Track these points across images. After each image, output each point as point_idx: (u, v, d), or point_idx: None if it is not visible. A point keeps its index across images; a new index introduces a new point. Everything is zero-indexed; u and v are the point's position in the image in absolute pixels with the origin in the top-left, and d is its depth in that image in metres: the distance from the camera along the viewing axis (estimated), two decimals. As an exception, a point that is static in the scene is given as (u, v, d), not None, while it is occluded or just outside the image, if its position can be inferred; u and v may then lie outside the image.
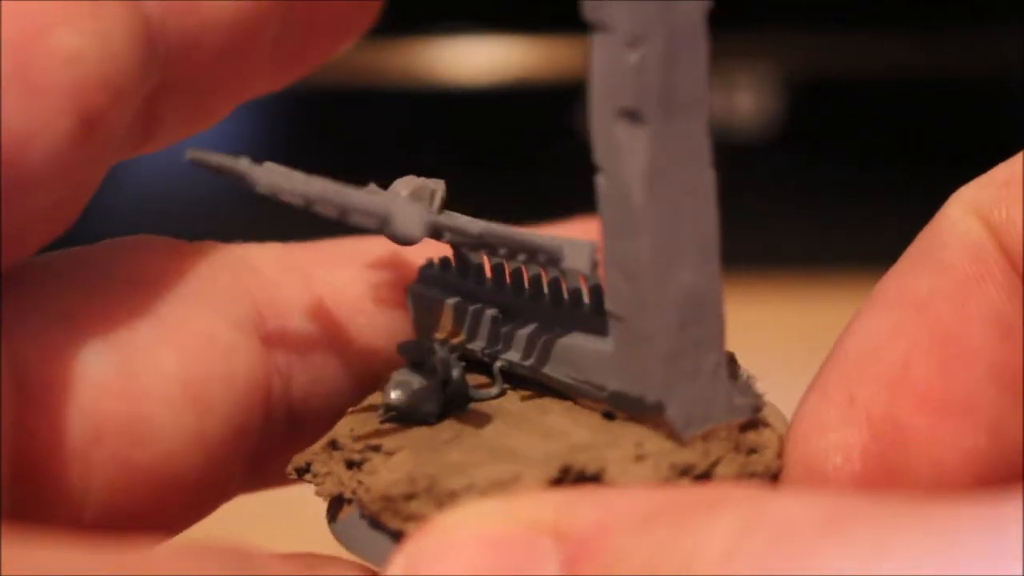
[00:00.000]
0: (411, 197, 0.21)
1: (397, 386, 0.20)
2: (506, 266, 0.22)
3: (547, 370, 0.21)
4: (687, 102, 0.18)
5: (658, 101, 0.18)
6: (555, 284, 0.21)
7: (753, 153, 0.65)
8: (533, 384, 0.21)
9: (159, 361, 0.20)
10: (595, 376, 0.20)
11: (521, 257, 0.20)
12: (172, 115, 0.21)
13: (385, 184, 0.22)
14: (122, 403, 0.19)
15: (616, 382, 0.19)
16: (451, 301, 0.22)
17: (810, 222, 0.64)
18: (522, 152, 0.66)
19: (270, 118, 0.68)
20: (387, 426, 0.20)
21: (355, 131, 0.67)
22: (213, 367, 0.20)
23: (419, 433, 0.20)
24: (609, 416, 0.20)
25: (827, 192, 0.63)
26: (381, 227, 0.19)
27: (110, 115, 0.19)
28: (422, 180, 0.21)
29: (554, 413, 0.20)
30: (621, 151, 0.18)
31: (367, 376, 0.23)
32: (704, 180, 0.19)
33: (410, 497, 0.18)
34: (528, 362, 0.21)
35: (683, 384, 0.19)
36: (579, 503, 0.16)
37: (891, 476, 0.20)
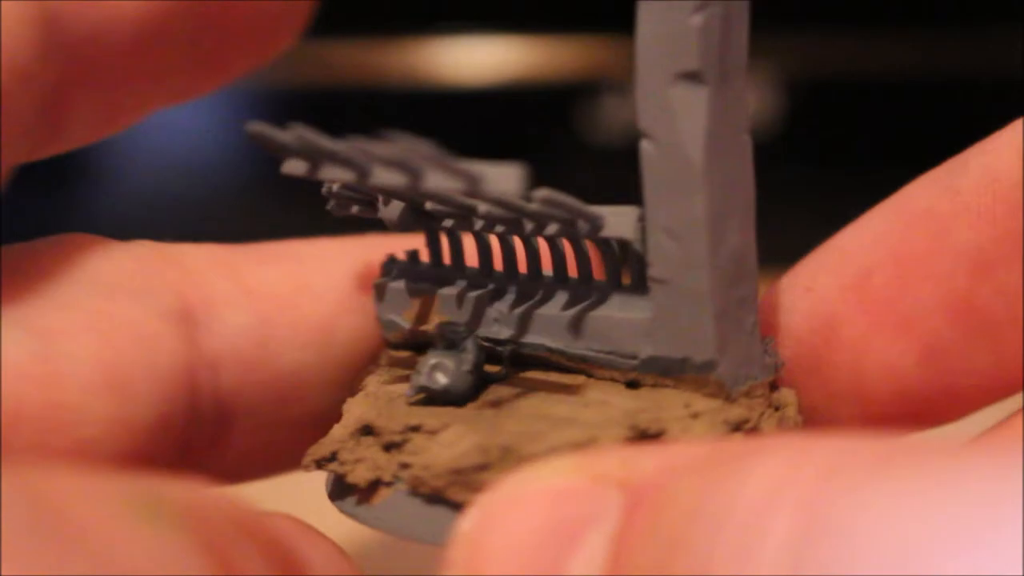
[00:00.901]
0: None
1: (436, 369, 0.20)
2: (495, 244, 0.22)
3: (567, 346, 0.21)
4: (735, 66, 0.19)
5: (717, 64, 0.18)
6: (565, 259, 0.21)
7: (753, 153, 0.65)
8: (540, 364, 0.21)
9: (78, 347, 0.20)
10: (624, 345, 0.20)
11: (550, 228, 0.20)
12: (81, 113, 0.21)
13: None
14: (40, 389, 0.19)
15: (654, 347, 0.20)
16: (444, 290, 0.22)
17: (810, 222, 0.64)
18: (522, 152, 0.66)
19: (270, 118, 0.68)
20: (419, 408, 0.20)
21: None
22: (134, 354, 0.20)
23: (458, 412, 0.20)
24: (632, 385, 0.20)
25: (827, 192, 0.63)
26: (472, 188, 0.18)
27: (11, 95, 0.18)
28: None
29: (580, 386, 0.20)
30: (677, 114, 0.18)
31: (300, 370, 0.23)
32: (745, 143, 0.19)
33: (483, 467, 0.19)
34: (544, 340, 0.21)
35: (731, 342, 0.19)
36: (642, 455, 0.17)
37: (812, 369, 0.21)
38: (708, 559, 0.14)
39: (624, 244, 0.20)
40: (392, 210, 0.21)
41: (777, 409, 0.20)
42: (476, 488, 0.18)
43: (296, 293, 0.23)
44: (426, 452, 0.19)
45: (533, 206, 0.20)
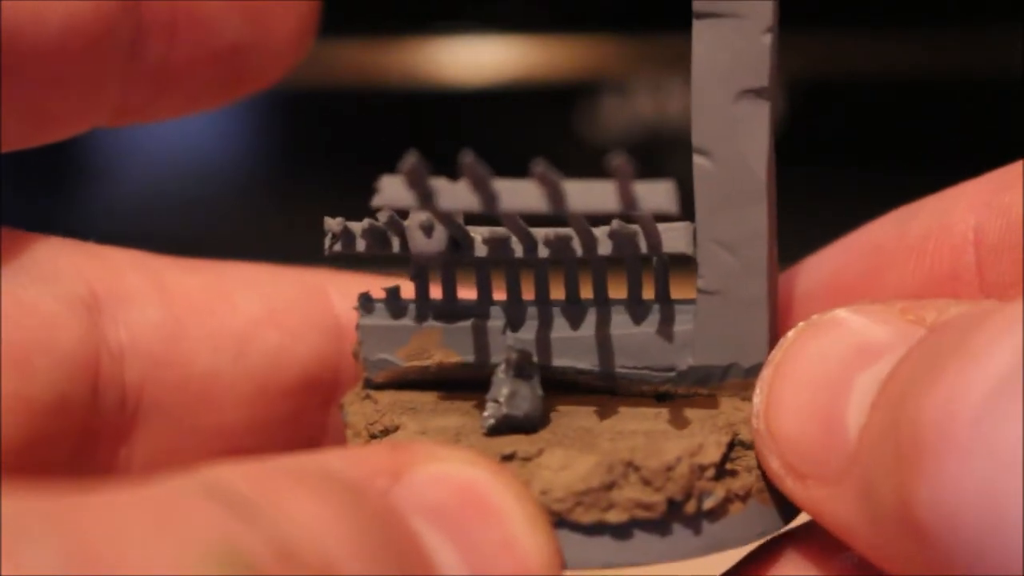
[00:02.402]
0: None
1: (516, 396, 0.20)
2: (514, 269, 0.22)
3: (591, 366, 0.21)
4: (772, 83, 0.20)
5: (775, 80, 0.19)
6: (572, 281, 0.21)
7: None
8: (561, 388, 0.21)
9: None
10: (660, 359, 0.21)
11: (603, 249, 0.21)
12: (8, 120, 0.20)
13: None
14: None
15: (694, 358, 0.20)
16: (458, 324, 0.22)
17: (810, 222, 0.64)
18: (522, 152, 0.66)
19: (269, 118, 0.68)
20: (495, 439, 0.20)
21: (355, 131, 0.67)
22: (34, 333, 0.21)
23: (537, 437, 0.20)
24: (663, 398, 0.21)
25: (827, 192, 0.63)
26: (629, 208, 0.18)
27: None
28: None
29: (616, 403, 0.21)
30: (740, 130, 0.19)
31: (211, 376, 0.23)
32: (773, 155, 0.20)
33: (610, 486, 0.19)
34: (569, 363, 0.21)
35: (771, 345, 0.20)
36: (945, 305, 0.18)
37: None
38: (949, 374, 0.15)
39: (641, 261, 0.21)
40: (432, 243, 0.21)
41: None
42: (606, 507, 0.19)
43: (213, 300, 0.23)
44: (536, 477, 0.19)
45: (609, 227, 0.20)
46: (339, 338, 0.24)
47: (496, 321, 0.22)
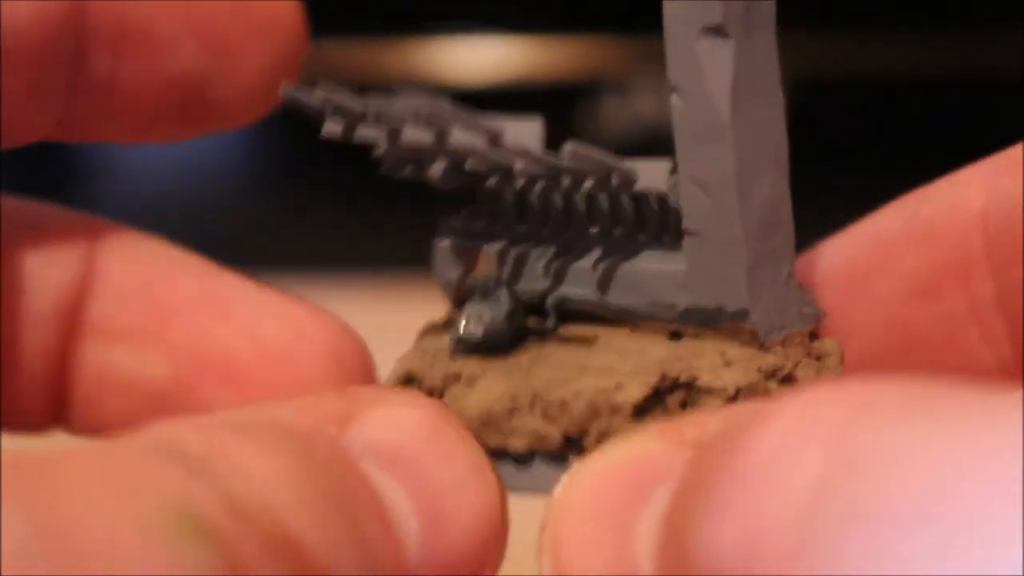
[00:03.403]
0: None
1: (471, 319, 0.21)
2: (549, 199, 0.22)
3: (608, 299, 0.21)
4: (761, 20, 0.19)
5: (741, 18, 0.19)
6: (606, 212, 0.21)
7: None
8: (586, 318, 0.21)
9: None
10: (665, 296, 0.20)
11: (586, 184, 0.21)
12: None
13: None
14: None
15: (691, 298, 0.20)
16: (494, 246, 0.22)
17: (810, 222, 0.64)
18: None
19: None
20: (462, 360, 0.21)
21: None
22: None
23: (495, 361, 0.21)
24: (675, 336, 0.21)
25: (828, 192, 0.63)
26: (491, 143, 0.19)
27: None
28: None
29: (621, 336, 0.21)
30: (704, 68, 0.19)
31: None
32: (777, 97, 0.20)
33: (512, 412, 0.19)
34: (586, 293, 0.21)
35: (764, 292, 0.20)
36: (712, 416, 0.17)
37: None
38: (737, 497, 0.14)
39: (662, 197, 0.21)
40: (436, 168, 0.21)
41: (819, 359, 0.20)
42: (507, 432, 0.20)
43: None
44: (463, 399, 0.20)
45: (564, 161, 0.20)
46: (88, 268, 0.24)
47: (523, 246, 0.22)
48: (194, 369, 0.23)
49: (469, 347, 0.21)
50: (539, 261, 0.22)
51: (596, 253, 0.21)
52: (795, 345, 0.20)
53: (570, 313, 0.21)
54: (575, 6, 0.66)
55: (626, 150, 0.21)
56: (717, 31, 0.19)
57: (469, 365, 0.21)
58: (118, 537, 0.13)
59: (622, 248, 0.21)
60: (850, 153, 0.66)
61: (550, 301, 0.21)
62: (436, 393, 0.21)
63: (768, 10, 0.19)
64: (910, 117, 0.66)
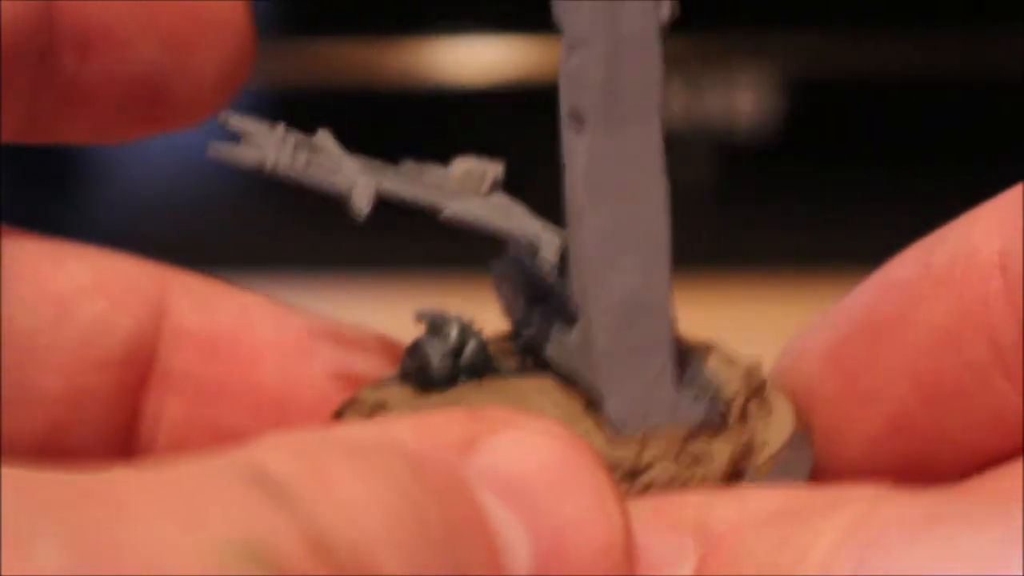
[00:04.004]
0: (462, 177, 0.21)
1: (413, 352, 0.21)
2: None
3: (551, 353, 0.21)
4: (634, 111, 0.18)
5: (600, 107, 0.18)
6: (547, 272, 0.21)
7: (753, 153, 0.65)
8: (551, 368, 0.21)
9: None
10: (573, 364, 0.20)
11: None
12: None
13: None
14: None
15: (582, 372, 0.20)
16: (510, 277, 0.22)
17: (810, 222, 0.64)
18: (522, 152, 0.66)
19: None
20: (398, 387, 0.21)
21: (355, 131, 0.66)
22: None
23: (422, 396, 0.21)
24: (593, 405, 0.20)
25: (827, 192, 0.63)
26: (345, 200, 0.20)
27: None
28: (478, 162, 0.22)
29: (546, 395, 0.21)
30: (568, 152, 0.19)
31: (27, 333, 0.22)
32: (653, 187, 0.19)
33: None
34: (541, 343, 0.21)
35: (621, 383, 0.20)
36: (719, 502, 0.17)
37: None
38: None
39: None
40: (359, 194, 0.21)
41: (695, 461, 0.20)
42: None
43: (40, 263, 0.23)
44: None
45: (462, 223, 0.20)
46: (159, 318, 0.23)
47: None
48: (282, 410, 0.23)
49: (411, 376, 0.21)
50: (525, 301, 0.22)
51: (544, 307, 0.21)
52: (658, 443, 0.20)
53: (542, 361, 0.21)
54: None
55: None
56: (576, 117, 0.19)
57: (399, 395, 0.21)
58: (172, 565, 0.12)
59: (563, 303, 0.21)
60: (850, 153, 0.66)
61: (516, 347, 0.22)
62: (364, 418, 0.21)
63: (648, 101, 0.19)
64: (910, 117, 0.66)
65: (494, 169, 0.22)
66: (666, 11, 0.18)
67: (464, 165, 0.21)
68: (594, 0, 0.18)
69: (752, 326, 0.39)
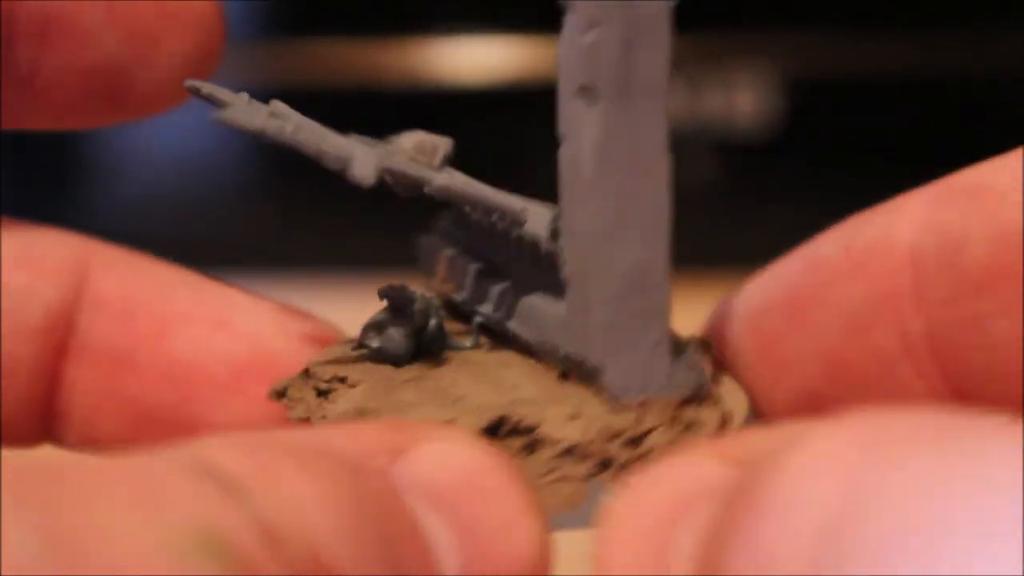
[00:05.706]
0: (413, 150, 0.22)
1: (371, 328, 0.21)
2: (495, 223, 0.22)
3: (514, 327, 0.21)
4: (644, 87, 0.19)
5: (613, 82, 0.19)
6: (532, 245, 0.21)
7: (753, 153, 0.65)
8: (508, 341, 0.22)
9: None
10: (552, 337, 0.21)
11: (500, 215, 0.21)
12: None
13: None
14: None
15: (566, 345, 0.20)
16: (447, 252, 0.23)
17: (810, 222, 0.64)
18: (522, 152, 0.66)
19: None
20: (358, 362, 0.21)
21: (355, 131, 0.66)
22: None
23: (383, 371, 0.21)
24: (565, 377, 0.21)
25: (827, 192, 0.63)
26: (343, 169, 0.20)
27: None
28: (428, 135, 0.22)
29: (513, 368, 0.21)
30: (577, 126, 0.19)
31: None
32: (659, 162, 0.20)
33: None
34: (500, 318, 0.22)
35: (621, 353, 0.20)
36: (757, 436, 0.17)
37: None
38: (753, 528, 0.14)
39: (539, 242, 0.21)
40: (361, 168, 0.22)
41: (688, 427, 0.20)
42: None
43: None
44: (335, 404, 0.20)
45: (454, 195, 0.21)
46: (80, 289, 0.23)
47: (476, 263, 0.22)
48: (193, 382, 0.23)
49: (370, 354, 0.21)
50: (472, 275, 0.22)
51: (511, 281, 0.22)
52: (656, 411, 0.20)
53: (498, 334, 0.22)
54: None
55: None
56: (589, 92, 0.19)
57: (360, 371, 0.21)
58: (133, 552, 0.13)
59: (533, 281, 0.21)
60: (849, 153, 0.66)
61: (475, 322, 0.22)
62: (323, 394, 0.21)
63: (658, 77, 0.19)
64: (910, 117, 0.66)
65: (445, 143, 0.22)
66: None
67: (415, 137, 0.22)
68: None
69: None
